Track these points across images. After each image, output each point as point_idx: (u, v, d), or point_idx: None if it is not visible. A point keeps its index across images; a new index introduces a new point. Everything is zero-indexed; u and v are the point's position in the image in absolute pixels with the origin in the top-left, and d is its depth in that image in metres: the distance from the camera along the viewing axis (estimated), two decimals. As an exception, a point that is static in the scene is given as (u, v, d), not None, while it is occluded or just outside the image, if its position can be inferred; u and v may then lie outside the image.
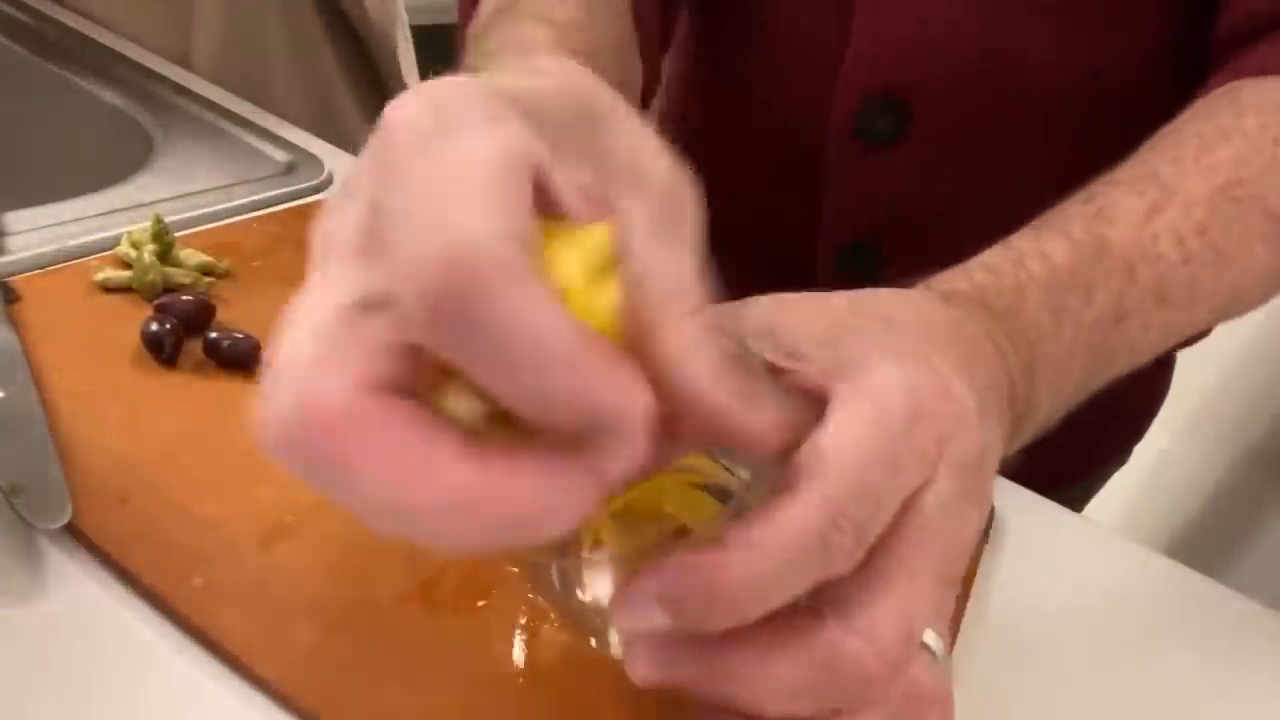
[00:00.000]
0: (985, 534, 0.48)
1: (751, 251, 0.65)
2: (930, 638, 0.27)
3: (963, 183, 0.57)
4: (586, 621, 0.31)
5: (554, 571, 0.30)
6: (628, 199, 0.21)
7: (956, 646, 0.42)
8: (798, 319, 0.28)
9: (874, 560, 0.24)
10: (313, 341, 0.19)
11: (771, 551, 0.22)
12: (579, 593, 0.30)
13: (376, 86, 0.95)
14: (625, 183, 0.22)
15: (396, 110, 0.21)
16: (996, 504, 0.50)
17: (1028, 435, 0.34)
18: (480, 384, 0.19)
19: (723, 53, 0.61)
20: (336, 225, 0.21)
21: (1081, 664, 0.43)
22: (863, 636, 0.23)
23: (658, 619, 0.23)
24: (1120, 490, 0.77)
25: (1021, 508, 0.51)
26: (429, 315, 0.18)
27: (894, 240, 0.59)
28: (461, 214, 0.18)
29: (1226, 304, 0.40)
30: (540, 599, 0.32)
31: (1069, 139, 0.55)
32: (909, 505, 0.25)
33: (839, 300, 0.29)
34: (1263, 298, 0.42)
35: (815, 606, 0.24)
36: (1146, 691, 0.43)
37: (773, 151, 0.60)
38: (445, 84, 0.21)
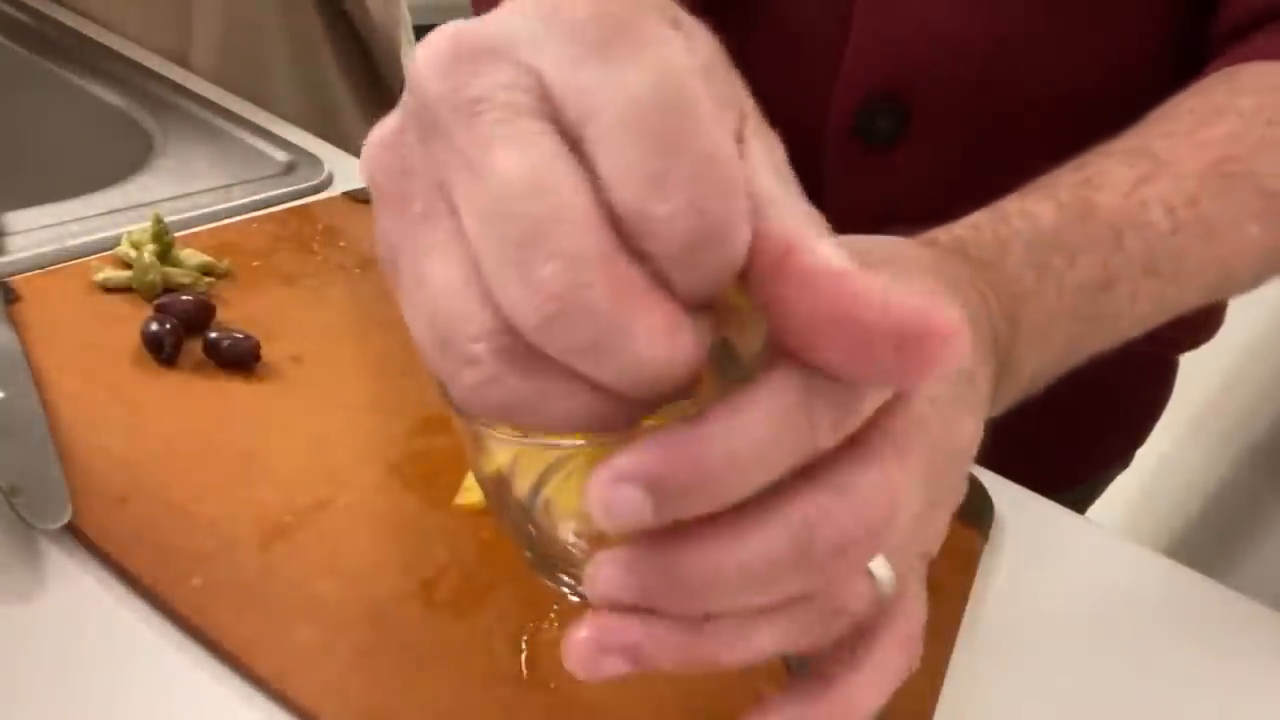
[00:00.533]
0: (985, 534, 0.48)
1: None
2: (881, 568, 0.25)
3: (963, 183, 0.57)
4: (556, 555, 0.29)
5: (539, 500, 0.28)
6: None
7: (956, 646, 0.42)
8: None
9: (859, 436, 0.23)
10: (582, 227, 0.19)
11: (755, 422, 0.21)
12: (559, 527, 0.28)
13: (377, 87, 0.95)
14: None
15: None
16: (997, 504, 0.50)
17: (1014, 393, 0.33)
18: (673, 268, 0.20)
19: (724, 48, 0.61)
20: (509, 87, 0.20)
21: (1081, 664, 0.43)
22: (842, 496, 0.22)
23: (637, 502, 0.21)
24: (1121, 491, 0.77)
25: (1021, 508, 0.51)
26: (692, 242, 0.19)
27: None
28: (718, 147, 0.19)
29: (1217, 281, 0.39)
30: (506, 529, 0.31)
31: (1070, 139, 0.55)
32: (900, 395, 0.24)
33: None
34: (1255, 280, 0.41)
35: (794, 485, 0.23)
36: (1147, 691, 0.43)
37: None
38: None
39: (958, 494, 0.28)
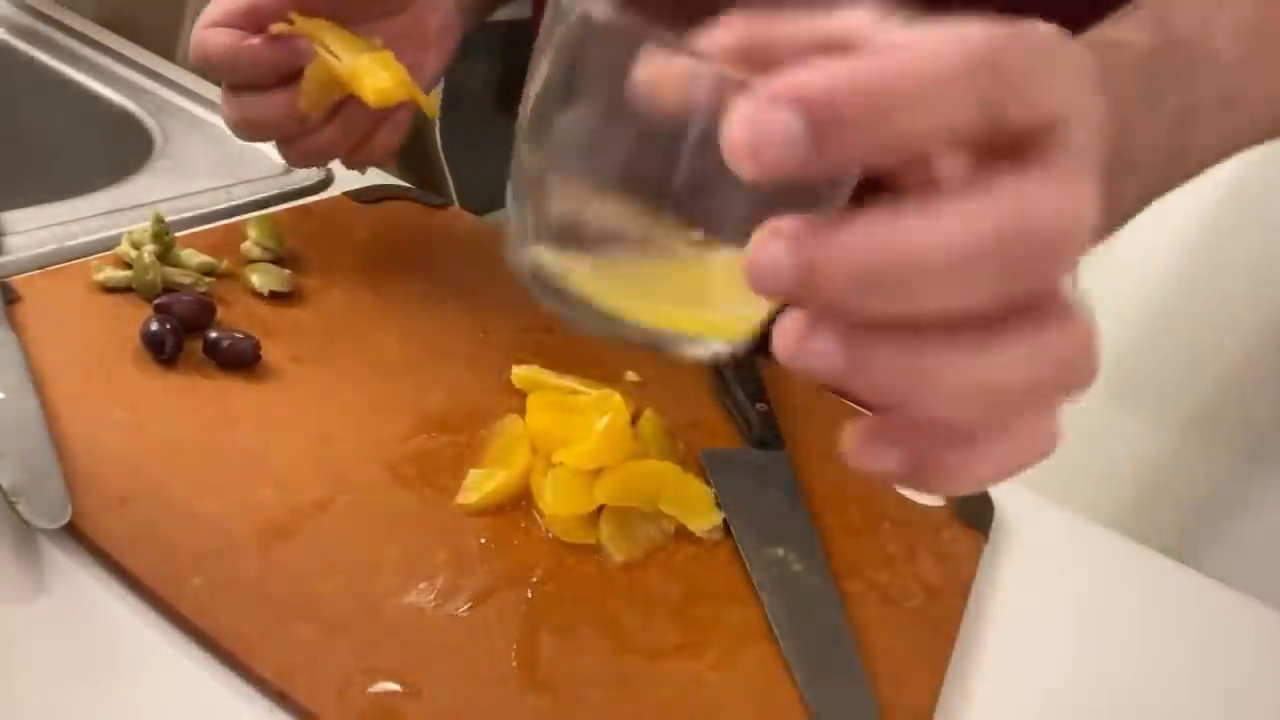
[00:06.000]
0: (985, 534, 0.48)
1: None
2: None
3: None
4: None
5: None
6: None
7: (956, 646, 0.42)
8: None
9: (1044, 153, 0.21)
10: None
11: (936, 56, 0.19)
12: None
13: None
14: None
15: None
16: (997, 504, 0.50)
17: (1116, 220, 0.33)
18: None
19: None
20: None
21: (1081, 663, 0.43)
22: (1044, 194, 0.20)
23: (791, 130, 0.19)
24: (1120, 490, 0.77)
25: (1022, 508, 0.51)
26: None
27: None
28: None
29: (1271, 122, 0.39)
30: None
31: None
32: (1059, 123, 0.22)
33: None
34: None
35: (991, 176, 0.21)
36: (1146, 690, 0.43)
37: None
38: None
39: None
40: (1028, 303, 0.21)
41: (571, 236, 0.26)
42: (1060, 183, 0.21)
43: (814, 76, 0.18)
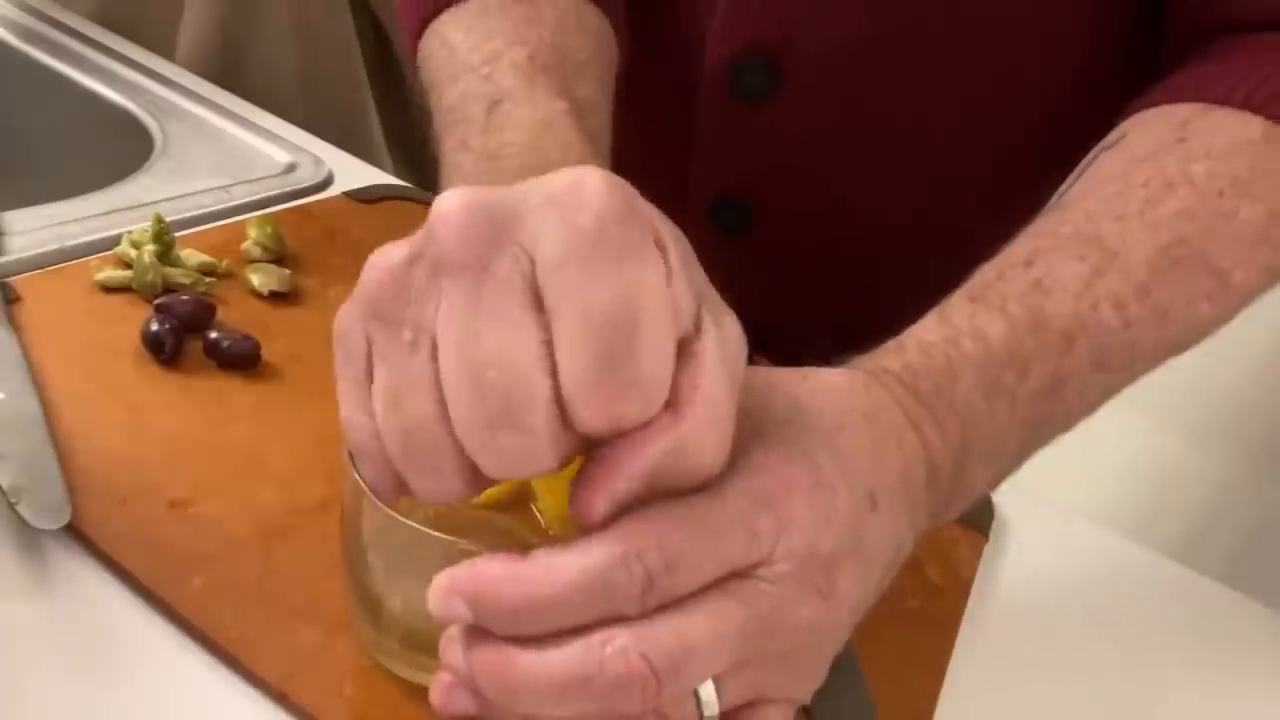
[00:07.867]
0: (986, 533, 0.48)
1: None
2: (707, 692, 0.27)
3: (838, 142, 0.56)
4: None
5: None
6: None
7: (956, 646, 0.42)
8: None
9: (679, 600, 0.26)
10: (543, 411, 0.25)
11: (559, 579, 0.25)
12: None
13: (395, 82, 0.94)
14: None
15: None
16: (997, 504, 0.50)
17: (961, 508, 0.35)
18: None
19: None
20: (511, 265, 0.25)
21: (1081, 664, 0.43)
22: (634, 634, 0.25)
23: (460, 610, 0.26)
24: (1121, 490, 0.77)
25: (1022, 508, 0.51)
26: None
27: (764, 196, 0.58)
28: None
29: (1166, 358, 0.40)
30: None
31: (948, 110, 0.54)
32: (737, 574, 0.27)
33: (760, 379, 0.31)
34: (1199, 341, 0.41)
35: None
36: (1146, 691, 0.43)
37: (648, 101, 0.59)
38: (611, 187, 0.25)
39: (808, 666, 0.30)
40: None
41: (408, 643, 0.33)
42: (666, 631, 0.26)
43: (475, 579, 0.26)
